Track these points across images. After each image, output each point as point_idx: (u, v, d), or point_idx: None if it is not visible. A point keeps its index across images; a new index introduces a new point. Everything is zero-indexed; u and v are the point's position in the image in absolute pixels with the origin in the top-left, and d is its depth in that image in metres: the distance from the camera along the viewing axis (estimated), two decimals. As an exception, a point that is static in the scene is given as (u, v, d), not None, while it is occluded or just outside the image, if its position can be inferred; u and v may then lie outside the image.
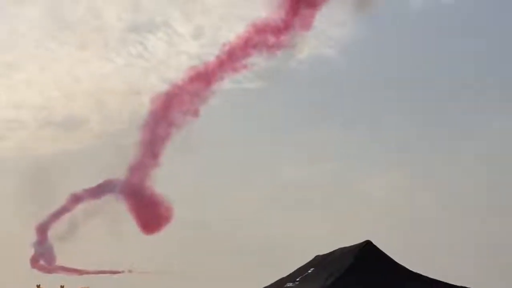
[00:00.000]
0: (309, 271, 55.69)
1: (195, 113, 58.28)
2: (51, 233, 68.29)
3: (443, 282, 51.48)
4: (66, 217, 66.78)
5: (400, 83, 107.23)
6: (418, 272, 51.79)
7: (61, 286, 64.13)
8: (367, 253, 52.11)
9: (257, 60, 56.16)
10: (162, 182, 61.81)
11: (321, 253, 58.34)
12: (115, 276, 71.76)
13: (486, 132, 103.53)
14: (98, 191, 64.52)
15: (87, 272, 70.96)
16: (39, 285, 63.79)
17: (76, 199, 65.63)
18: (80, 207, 65.76)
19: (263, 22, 54.32)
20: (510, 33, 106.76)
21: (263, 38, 54.66)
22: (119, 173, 61.65)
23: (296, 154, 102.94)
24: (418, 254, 77.74)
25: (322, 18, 55.22)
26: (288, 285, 55.99)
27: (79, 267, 71.09)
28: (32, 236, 69.06)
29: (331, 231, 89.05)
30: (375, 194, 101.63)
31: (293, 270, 58.38)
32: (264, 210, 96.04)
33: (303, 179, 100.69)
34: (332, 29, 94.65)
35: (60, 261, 70.50)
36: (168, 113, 58.33)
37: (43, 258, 70.04)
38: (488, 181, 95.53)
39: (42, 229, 68.22)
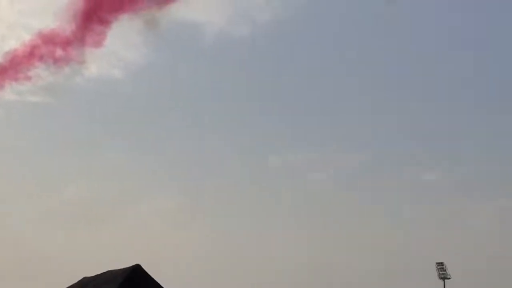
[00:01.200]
0: (75, 293, 54.70)
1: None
2: None
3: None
4: None
5: (181, 111, 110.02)
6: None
7: None
8: (135, 276, 52.16)
9: (43, 73, 54.33)
10: None
11: (89, 275, 57.48)
12: None
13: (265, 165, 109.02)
14: None
15: None
16: None
17: None
18: None
19: (52, 34, 52.69)
20: (301, 67, 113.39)
21: (51, 50, 52.99)
22: None
23: (78, 172, 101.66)
24: (186, 278, 79.47)
25: (115, 40, 54.97)
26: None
27: None
28: None
29: (102, 253, 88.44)
30: (149, 217, 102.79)
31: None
32: (40, 227, 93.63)
33: (84, 198, 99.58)
34: (123, 51, 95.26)
35: None
36: None
37: None
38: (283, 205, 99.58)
39: None
